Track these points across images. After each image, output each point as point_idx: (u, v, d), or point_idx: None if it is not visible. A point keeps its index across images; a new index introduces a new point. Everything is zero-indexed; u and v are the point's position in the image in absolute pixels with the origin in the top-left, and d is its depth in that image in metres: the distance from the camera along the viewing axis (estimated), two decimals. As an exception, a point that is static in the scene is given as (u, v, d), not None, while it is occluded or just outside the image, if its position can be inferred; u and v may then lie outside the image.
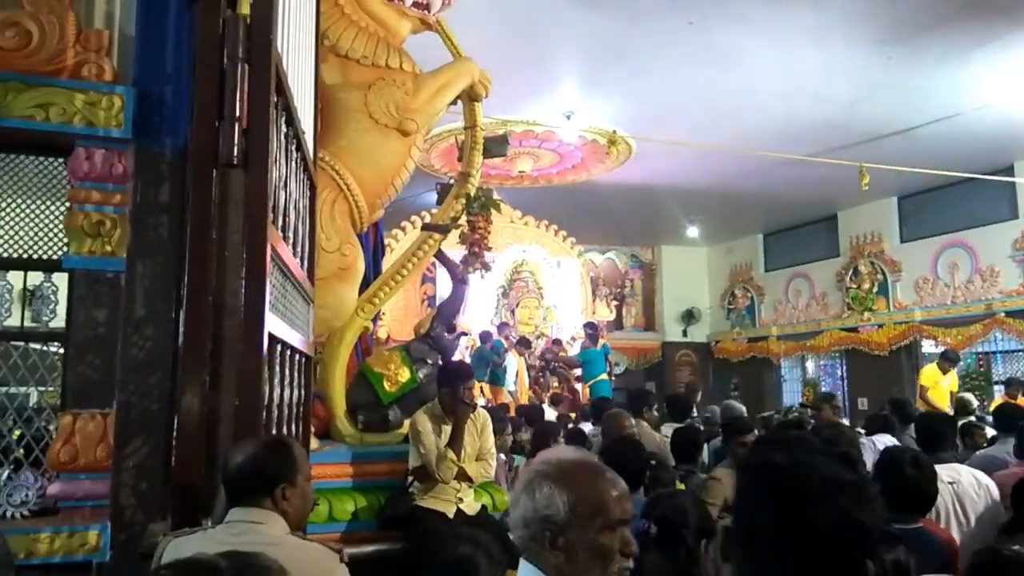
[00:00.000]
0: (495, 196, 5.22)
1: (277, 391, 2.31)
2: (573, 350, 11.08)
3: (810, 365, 14.33)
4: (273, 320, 2.13)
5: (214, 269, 1.96)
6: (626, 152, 9.78)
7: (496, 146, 4.98)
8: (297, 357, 2.70)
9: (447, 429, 3.68)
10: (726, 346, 15.45)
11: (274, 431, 2.25)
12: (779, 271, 14.62)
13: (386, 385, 4.10)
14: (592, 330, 10.50)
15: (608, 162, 10.16)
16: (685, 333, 16.13)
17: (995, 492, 3.23)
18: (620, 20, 6.69)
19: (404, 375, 4.12)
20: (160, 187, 2.79)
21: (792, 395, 14.21)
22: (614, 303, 14.59)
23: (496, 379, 10.24)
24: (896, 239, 12.20)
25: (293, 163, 2.64)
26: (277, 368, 2.31)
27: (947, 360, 9.05)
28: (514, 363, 10.19)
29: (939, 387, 8.63)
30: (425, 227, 4.59)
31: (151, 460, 2.65)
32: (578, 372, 10.57)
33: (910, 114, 8.55)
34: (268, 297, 2.03)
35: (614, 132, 7.97)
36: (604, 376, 10.05)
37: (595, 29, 6.84)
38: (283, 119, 2.38)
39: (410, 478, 3.69)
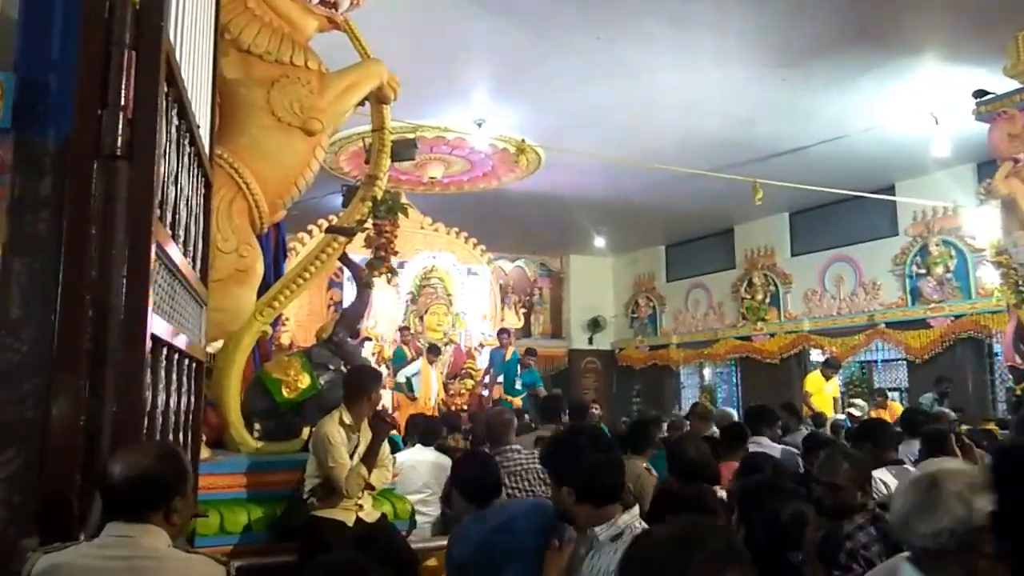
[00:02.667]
0: (403, 200, 5.17)
1: (162, 397, 2.19)
2: (481, 358, 11.08)
3: (707, 372, 14.87)
4: (158, 322, 2.02)
5: (94, 266, 1.84)
6: (536, 161, 9.90)
7: (404, 150, 4.92)
8: (186, 362, 2.57)
9: (356, 440, 3.60)
10: (629, 353, 15.83)
11: (158, 439, 2.13)
12: (680, 281, 15.12)
13: (285, 392, 3.98)
14: (506, 337, 10.54)
15: (518, 171, 10.25)
16: (591, 341, 16.42)
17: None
18: (531, 31, 6.78)
19: (304, 381, 4.00)
20: (41, 180, 2.59)
21: (690, 401, 14.69)
22: (523, 311, 14.69)
23: (406, 386, 10.13)
24: (787, 253, 12.86)
25: (185, 158, 2.52)
26: (163, 373, 2.19)
27: (829, 367, 9.61)
28: (417, 370, 10.08)
29: (823, 393, 9.12)
30: (329, 229, 4.50)
31: (25, 472, 2.45)
32: (487, 379, 10.59)
33: (802, 134, 9.03)
34: (153, 297, 1.92)
35: (523, 141, 8.05)
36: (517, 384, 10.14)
37: (506, 39, 6.90)
38: (174, 111, 2.27)
39: (308, 490, 3.58)
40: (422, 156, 9.65)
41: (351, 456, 3.55)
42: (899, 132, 8.79)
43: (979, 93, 7.05)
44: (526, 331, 15.48)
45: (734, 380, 13.97)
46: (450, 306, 11.39)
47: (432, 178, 10.30)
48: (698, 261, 14.68)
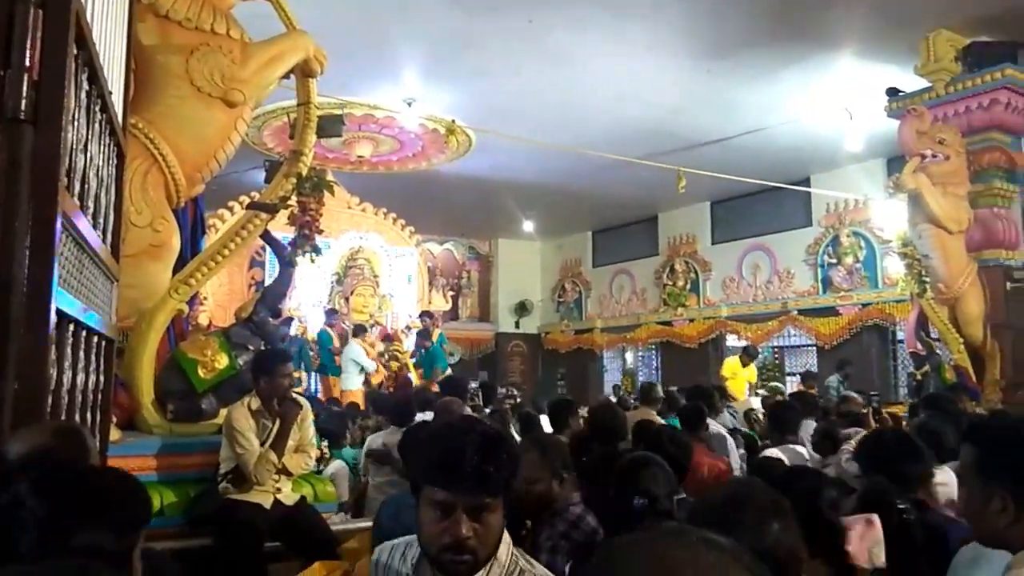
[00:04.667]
0: (329, 178, 5.06)
1: (68, 376, 2.09)
2: (408, 340, 10.99)
3: (629, 356, 15.20)
4: (64, 297, 1.93)
5: (-6, 237, 1.74)
6: (466, 144, 9.85)
7: (331, 125, 4.81)
8: (95, 339, 2.46)
9: (267, 424, 3.51)
10: (555, 337, 16.03)
11: (62, 419, 2.04)
12: (605, 267, 15.37)
13: (201, 372, 3.85)
14: (429, 320, 10.47)
15: (448, 152, 10.18)
16: (517, 325, 16.54)
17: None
18: (464, 12, 6.72)
19: (222, 362, 3.88)
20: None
21: (612, 384, 15.00)
22: (450, 293, 14.66)
23: (329, 368, 9.97)
24: (708, 241, 13.24)
25: (96, 125, 2.40)
26: (69, 350, 2.09)
27: (748, 355, 9.98)
28: (359, 350, 9.94)
29: (738, 378, 9.47)
30: (251, 205, 4.35)
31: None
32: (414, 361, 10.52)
33: (725, 125, 9.28)
34: (58, 271, 1.83)
35: (453, 122, 7.99)
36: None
37: (438, 17, 6.82)
38: (84, 75, 2.16)
39: (221, 474, 3.49)
40: (350, 134, 9.47)
41: (265, 442, 3.47)
42: (815, 126, 9.14)
43: (891, 91, 7.39)
44: (454, 314, 15.46)
45: (655, 364, 14.32)
46: (377, 288, 11.25)
47: (360, 157, 10.12)
48: (623, 247, 14.95)
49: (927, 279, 6.62)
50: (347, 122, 8.48)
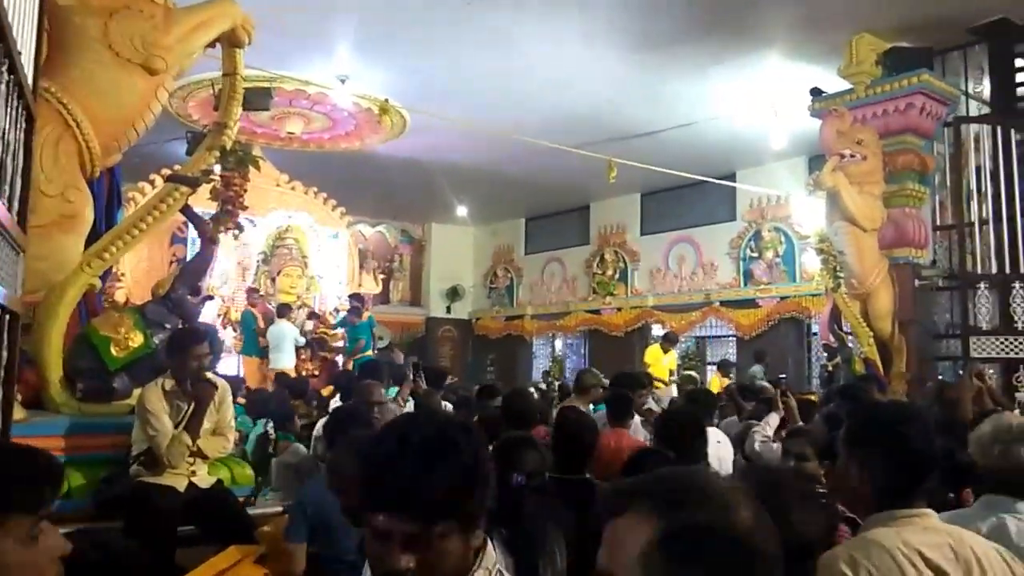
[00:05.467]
0: (256, 153, 4.93)
1: (-34, 349, 1.99)
2: (337, 323, 10.83)
3: (559, 343, 15.38)
4: (-37, 265, 1.83)
5: None
6: (401, 125, 9.72)
7: (258, 99, 4.70)
8: (-2, 312, 2.35)
9: (182, 406, 3.41)
10: (486, 323, 16.07)
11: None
12: (537, 255, 15.49)
13: (114, 350, 3.71)
14: (358, 303, 10.32)
15: (382, 133, 10.03)
16: (449, 310, 16.51)
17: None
18: (400, -11, 6.62)
19: (136, 340, 3.74)
20: None
21: (542, 371, 15.15)
22: (382, 277, 14.50)
23: (254, 350, 9.73)
24: (637, 232, 13.50)
25: (3, 86, 2.27)
26: (-33, 322, 1.99)
27: (668, 341, 10.25)
28: (291, 327, 9.73)
29: (660, 364, 9.70)
30: (170, 178, 4.19)
31: None
32: (340, 344, 10.37)
33: (656, 118, 9.43)
34: (-44, 237, 1.73)
35: (386, 101, 7.86)
36: (369, 352, 9.96)
37: (373, -7, 6.70)
38: (-12, 33, 2.04)
39: (133, 456, 3.38)
40: (280, 110, 9.22)
41: (179, 424, 3.37)
42: (742, 122, 9.39)
43: (815, 91, 7.63)
44: (384, 298, 15.32)
45: (583, 351, 14.54)
46: (305, 268, 11.04)
47: (290, 133, 9.88)
48: (556, 235, 15.08)
49: (841, 274, 6.90)
50: (276, 97, 8.28)
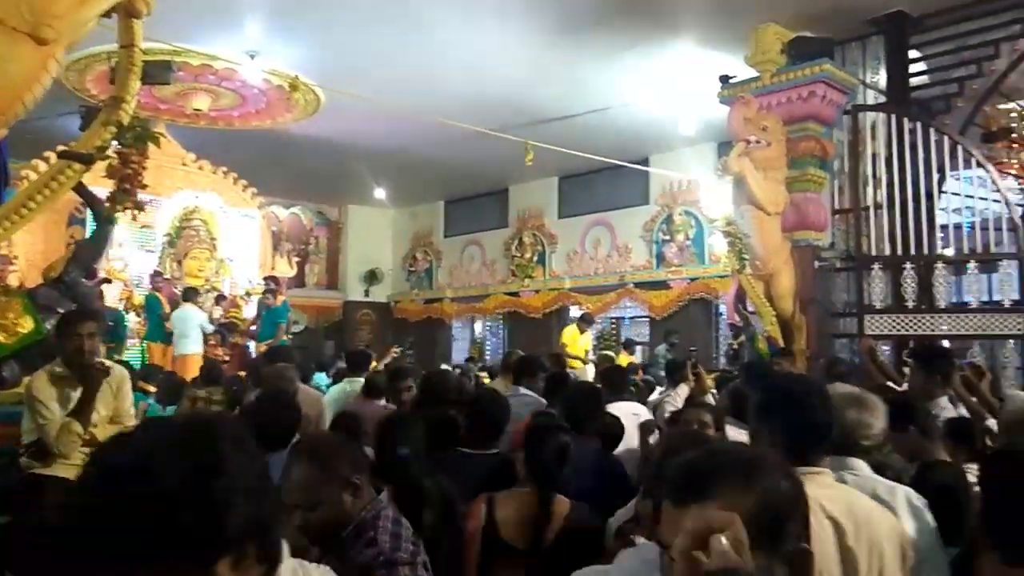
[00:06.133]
0: (159, 130, 4.72)
1: None
2: (248, 307, 10.53)
3: (478, 326, 15.43)
4: None
5: None
6: (314, 103, 9.49)
7: (158, 72, 4.49)
8: None
9: (72, 393, 3.24)
10: (405, 306, 15.96)
11: None
12: (457, 237, 15.45)
13: (1, 336, 3.51)
14: (273, 285, 10.05)
15: (295, 111, 9.76)
16: (367, 293, 16.31)
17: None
18: (310, -38, 6.43)
19: (26, 325, 3.55)
20: None
21: (461, 353, 15.19)
22: (297, 260, 14.17)
23: (159, 335, 9.35)
24: (555, 215, 13.66)
25: None
26: None
27: (584, 322, 10.46)
28: (199, 312, 9.36)
29: (577, 345, 9.89)
30: (63, 155, 3.97)
31: None
32: (254, 329, 10.09)
33: (572, 102, 9.53)
34: None
35: (296, 77, 7.64)
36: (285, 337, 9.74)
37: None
38: None
39: (23, 446, 3.21)
40: (186, 85, 8.85)
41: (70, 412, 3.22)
42: (655, 108, 9.58)
43: (724, 78, 7.84)
44: (299, 281, 14.99)
45: (502, 334, 14.63)
46: (214, 251, 10.67)
47: (197, 110, 9.49)
48: (475, 218, 15.08)
49: (746, 256, 7.16)
50: (180, 71, 7.95)
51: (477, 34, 7.75)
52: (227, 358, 9.21)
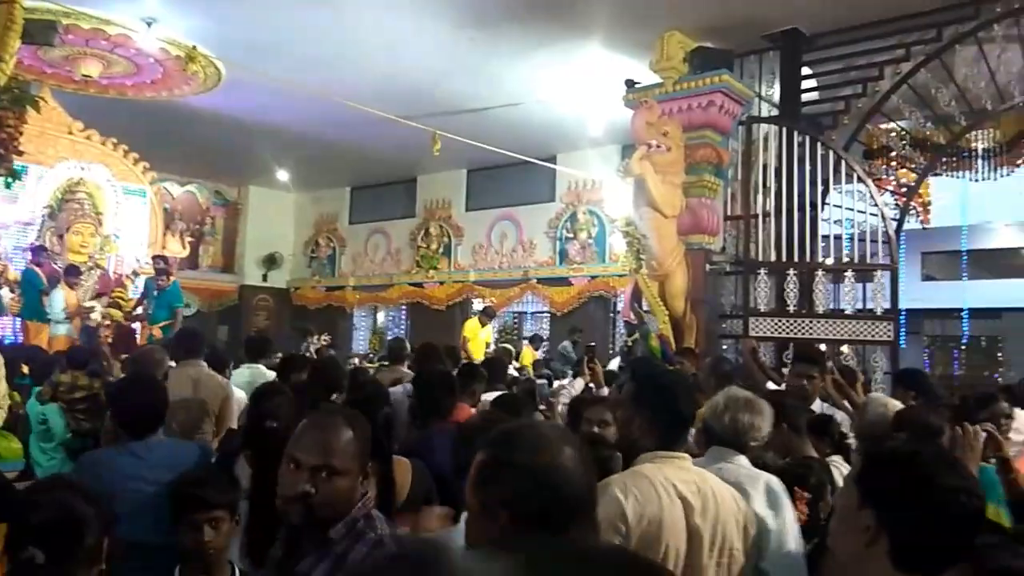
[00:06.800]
0: (42, 94, 4.42)
1: None
2: (135, 287, 10.03)
3: (380, 315, 15.26)
4: None
5: None
6: (215, 77, 9.11)
7: (42, 32, 4.22)
8: None
9: None
10: (305, 293, 15.60)
11: None
12: (362, 225, 15.22)
13: None
14: (163, 264, 9.57)
15: (194, 84, 9.34)
16: (265, 278, 15.83)
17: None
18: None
19: None
20: None
21: (362, 343, 14.99)
22: (190, 240, 13.58)
23: (37, 314, 8.77)
24: (463, 207, 13.67)
25: None
26: None
27: (486, 315, 10.55)
28: (60, 296, 8.81)
29: (478, 338, 9.95)
30: (-74, 112, 3.68)
31: None
32: (139, 311, 9.61)
33: (484, 95, 9.55)
34: None
35: (194, 48, 7.32)
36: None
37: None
38: None
39: None
40: (76, 49, 8.30)
41: None
42: (564, 107, 9.73)
43: (629, 82, 8.05)
44: (193, 262, 14.41)
45: (404, 324, 14.54)
46: (99, 226, 10.11)
47: (86, 76, 8.91)
48: (381, 206, 14.89)
49: (643, 257, 7.39)
50: (69, 34, 7.48)
51: (392, 18, 7.65)
52: (110, 340, 8.75)
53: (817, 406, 4.07)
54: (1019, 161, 8.24)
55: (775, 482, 2.22)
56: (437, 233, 13.82)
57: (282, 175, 13.83)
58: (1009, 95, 6.82)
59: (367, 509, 1.76)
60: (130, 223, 10.60)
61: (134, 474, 2.61)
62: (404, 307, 14.42)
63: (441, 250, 13.75)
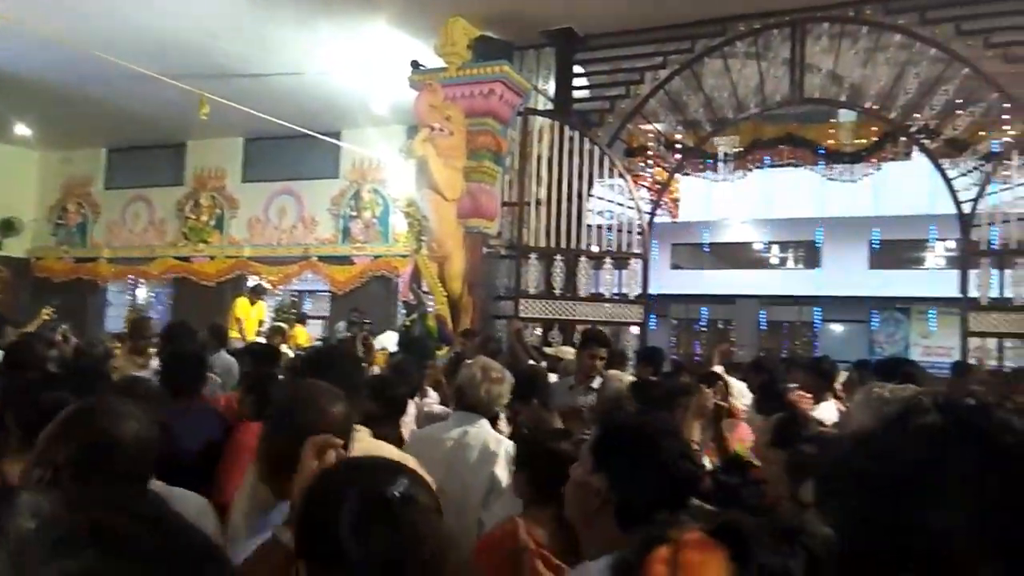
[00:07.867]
0: None
1: None
2: None
3: (142, 291, 14.03)
4: None
5: None
6: (-68, 10, 7.80)
7: None
8: None
9: None
10: (49, 264, 13.94)
11: None
12: (120, 191, 13.86)
13: None
14: None
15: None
16: (0, 246, 13.89)
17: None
18: None
19: None
20: None
21: (117, 320, 13.67)
22: None
23: None
24: (239, 178, 12.93)
25: None
26: None
27: (255, 293, 10.18)
28: None
29: (250, 317, 9.56)
30: None
31: None
32: None
33: (264, 61, 9.11)
34: None
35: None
36: None
37: None
38: None
39: None
40: None
41: None
42: (350, 83, 9.56)
43: (414, 64, 8.10)
44: None
45: (169, 301, 13.50)
46: None
47: None
48: (144, 172, 13.66)
49: (424, 238, 7.55)
50: None
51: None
52: None
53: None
54: (750, 166, 9.44)
55: (511, 447, 2.43)
56: (208, 204, 12.95)
57: (22, 129, 12.18)
58: (746, 106, 7.78)
59: None
60: None
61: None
62: (169, 282, 13.37)
63: (213, 222, 12.91)
